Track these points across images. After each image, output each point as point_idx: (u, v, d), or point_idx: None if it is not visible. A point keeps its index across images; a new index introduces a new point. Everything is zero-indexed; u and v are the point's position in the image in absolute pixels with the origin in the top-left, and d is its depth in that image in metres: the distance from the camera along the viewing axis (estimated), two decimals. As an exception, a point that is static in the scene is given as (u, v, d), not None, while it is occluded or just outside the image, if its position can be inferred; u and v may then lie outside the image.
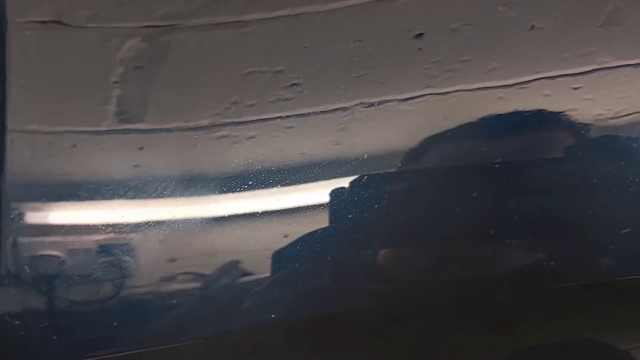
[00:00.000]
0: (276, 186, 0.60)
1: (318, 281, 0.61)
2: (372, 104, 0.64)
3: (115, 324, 0.57)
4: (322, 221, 0.61)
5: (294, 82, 0.62)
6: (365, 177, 0.63)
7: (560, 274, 0.64)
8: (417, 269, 0.65)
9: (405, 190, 0.64)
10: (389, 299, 0.63)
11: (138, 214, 0.58)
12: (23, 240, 0.55)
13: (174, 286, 0.58)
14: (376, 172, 0.63)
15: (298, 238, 0.60)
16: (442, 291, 0.65)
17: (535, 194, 0.67)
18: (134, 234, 0.57)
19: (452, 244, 0.65)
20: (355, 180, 0.62)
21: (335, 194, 0.62)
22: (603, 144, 0.71)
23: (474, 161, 0.67)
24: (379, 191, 0.63)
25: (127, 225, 0.58)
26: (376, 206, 0.62)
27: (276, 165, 0.61)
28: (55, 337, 0.56)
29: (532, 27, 0.71)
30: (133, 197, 0.58)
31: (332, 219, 0.61)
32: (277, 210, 0.60)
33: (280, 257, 0.60)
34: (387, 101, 0.65)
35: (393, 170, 0.63)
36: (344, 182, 0.62)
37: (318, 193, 0.61)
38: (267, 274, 0.60)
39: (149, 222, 0.58)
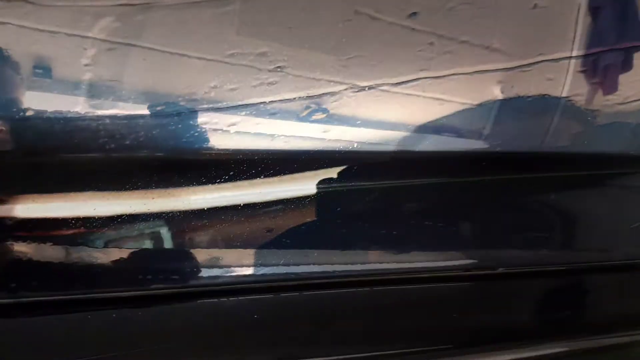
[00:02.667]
0: (259, 177, 0.56)
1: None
2: (363, 88, 0.60)
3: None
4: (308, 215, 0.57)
5: (278, 65, 0.57)
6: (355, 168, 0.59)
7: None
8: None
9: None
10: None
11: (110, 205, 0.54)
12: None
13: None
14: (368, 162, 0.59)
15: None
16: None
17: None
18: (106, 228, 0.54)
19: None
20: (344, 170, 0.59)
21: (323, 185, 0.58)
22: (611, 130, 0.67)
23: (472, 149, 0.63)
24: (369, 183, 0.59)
25: (99, 218, 0.54)
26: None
27: (259, 154, 0.56)
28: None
29: (535, 6, 0.67)
30: (104, 189, 0.54)
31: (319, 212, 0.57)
32: (261, 203, 0.57)
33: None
34: (378, 85, 0.61)
35: (385, 160, 0.59)
36: (332, 172, 0.58)
37: (304, 184, 0.57)
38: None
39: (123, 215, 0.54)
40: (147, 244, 0.54)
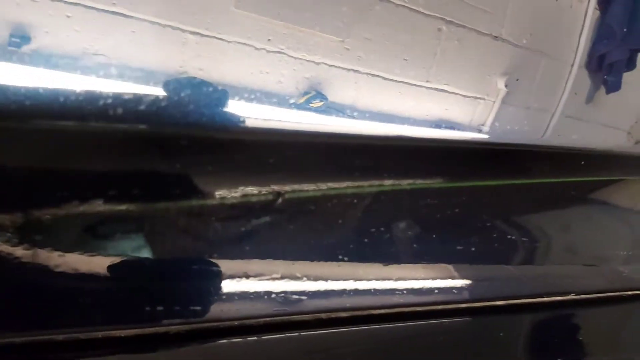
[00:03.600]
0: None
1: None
2: (365, 74, 0.57)
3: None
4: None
5: (276, 44, 0.53)
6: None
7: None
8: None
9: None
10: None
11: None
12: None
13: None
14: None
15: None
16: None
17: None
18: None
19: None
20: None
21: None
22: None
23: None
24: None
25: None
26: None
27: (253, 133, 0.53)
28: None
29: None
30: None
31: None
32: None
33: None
34: (381, 71, 0.57)
35: (385, 153, 0.56)
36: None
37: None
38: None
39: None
40: (152, 262, 0.48)
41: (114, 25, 0.47)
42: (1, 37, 0.43)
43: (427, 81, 0.60)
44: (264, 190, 0.53)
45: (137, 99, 0.47)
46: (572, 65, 0.70)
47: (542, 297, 0.72)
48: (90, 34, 0.46)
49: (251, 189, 0.52)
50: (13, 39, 0.44)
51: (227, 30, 0.52)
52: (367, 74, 0.57)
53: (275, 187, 0.53)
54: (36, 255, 0.45)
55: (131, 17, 0.48)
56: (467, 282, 0.66)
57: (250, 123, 0.51)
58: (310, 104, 0.54)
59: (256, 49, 0.53)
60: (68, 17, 0.45)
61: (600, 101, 0.73)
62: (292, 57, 0.54)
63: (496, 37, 0.64)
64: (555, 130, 0.69)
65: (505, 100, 0.65)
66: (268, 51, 0.53)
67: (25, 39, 0.44)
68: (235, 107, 0.51)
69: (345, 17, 0.57)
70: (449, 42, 0.62)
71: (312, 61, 0.55)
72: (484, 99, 0.64)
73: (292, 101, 0.53)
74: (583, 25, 0.69)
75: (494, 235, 0.69)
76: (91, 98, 0.44)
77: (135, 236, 0.47)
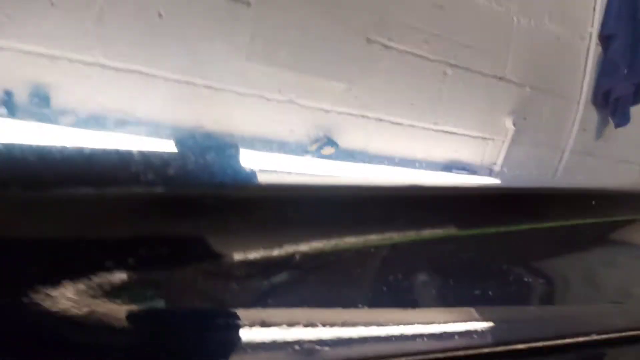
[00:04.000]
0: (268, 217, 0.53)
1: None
2: (374, 120, 0.58)
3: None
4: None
5: (286, 94, 0.55)
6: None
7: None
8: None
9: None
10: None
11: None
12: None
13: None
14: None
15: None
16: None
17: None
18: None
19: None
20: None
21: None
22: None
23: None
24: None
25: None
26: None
27: (264, 190, 0.54)
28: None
29: (546, 35, 0.65)
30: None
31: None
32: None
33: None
34: (390, 116, 0.58)
35: (396, 198, 0.56)
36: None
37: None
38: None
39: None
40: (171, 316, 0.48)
41: (130, 83, 0.48)
42: (22, 97, 0.45)
43: (435, 123, 0.61)
44: (280, 247, 0.53)
45: (149, 158, 0.47)
46: (579, 102, 0.71)
47: (565, 339, 0.71)
48: (108, 92, 0.47)
49: (266, 247, 0.52)
50: (34, 99, 0.46)
51: (239, 82, 0.54)
52: (376, 119, 0.58)
53: (291, 244, 0.53)
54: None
55: (147, 74, 0.50)
56: (487, 325, 0.65)
57: (263, 178, 0.52)
58: (322, 151, 0.55)
59: (267, 99, 0.54)
60: (87, 76, 0.47)
61: (611, 136, 0.73)
62: (302, 105, 0.55)
63: (500, 77, 0.65)
64: (566, 168, 0.69)
65: (514, 139, 0.66)
66: (279, 101, 0.54)
67: (46, 98, 0.46)
68: (248, 160, 0.51)
69: (352, 66, 0.58)
70: (454, 85, 0.63)
71: (321, 109, 0.56)
72: (493, 139, 0.65)
73: (304, 149, 0.54)
74: (586, 62, 0.70)
75: (512, 279, 0.68)
76: (107, 159, 0.45)
77: (154, 293, 0.48)
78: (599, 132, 0.73)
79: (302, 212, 0.52)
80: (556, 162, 0.70)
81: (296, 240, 0.53)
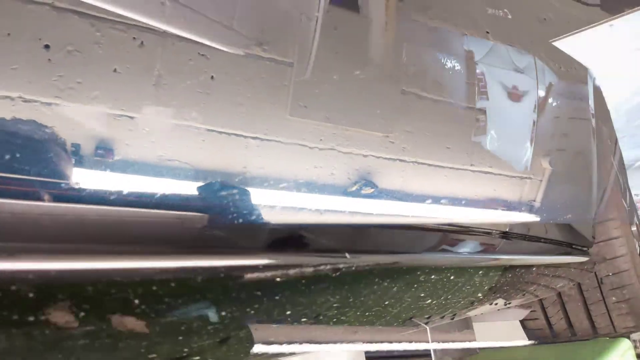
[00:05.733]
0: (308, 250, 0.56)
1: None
2: (410, 163, 0.61)
3: None
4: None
5: (328, 144, 0.59)
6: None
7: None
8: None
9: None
10: None
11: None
12: None
13: None
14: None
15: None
16: None
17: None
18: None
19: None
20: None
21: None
22: None
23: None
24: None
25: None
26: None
27: (308, 230, 0.56)
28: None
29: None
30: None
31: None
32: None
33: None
34: (425, 160, 0.61)
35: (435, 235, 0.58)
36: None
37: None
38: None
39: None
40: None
41: (185, 135, 0.53)
42: (88, 150, 0.50)
43: (472, 165, 0.63)
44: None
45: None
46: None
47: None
48: (165, 143, 0.52)
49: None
50: (98, 151, 0.51)
51: (284, 134, 0.58)
52: (413, 162, 0.61)
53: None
54: None
55: (201, 128, 0.55)
56: None
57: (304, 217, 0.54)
58: (362, 191, 0.58)
59: (310, 148, 0.58)
60: (146, 131, 0.52)
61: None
62: (342, 152, 0.59)
63: (534, 121, 0.67)
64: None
65: (551, 178, 0.67)
66: (320, 149, 0.58)
67: (109, 150, 0.51)
68: (290, 200, 0.55)
69: (388, 115, 0.62)
70: (486, 129, 0.65)
71: (360, 154, 0.60)
72: (530, 177, 0.66)
73: (344, 190, 0.57)
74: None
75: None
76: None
77: None
78: None
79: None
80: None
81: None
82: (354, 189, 0.58)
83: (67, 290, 0.43)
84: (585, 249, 1.33)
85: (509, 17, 0.73)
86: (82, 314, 0.42)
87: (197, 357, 0.52)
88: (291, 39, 0.58)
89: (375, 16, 0.63)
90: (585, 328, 2.10)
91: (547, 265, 1.21)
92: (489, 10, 0.71)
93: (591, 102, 1.46)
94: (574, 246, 1.28)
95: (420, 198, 0.61)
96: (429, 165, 0.62)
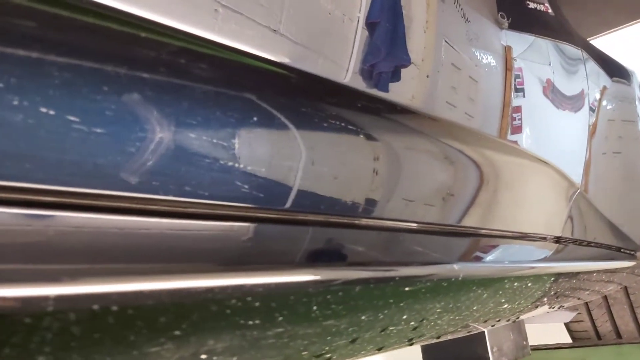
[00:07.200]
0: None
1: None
2: None
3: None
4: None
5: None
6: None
7: None
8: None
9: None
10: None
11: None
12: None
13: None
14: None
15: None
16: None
17: None
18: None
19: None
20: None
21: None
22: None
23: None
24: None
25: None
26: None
27: None
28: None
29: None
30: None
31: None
32: None
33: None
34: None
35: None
36: None
37: None
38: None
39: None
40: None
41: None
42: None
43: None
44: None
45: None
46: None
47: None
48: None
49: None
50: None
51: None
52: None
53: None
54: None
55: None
56: None
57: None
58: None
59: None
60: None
61: None
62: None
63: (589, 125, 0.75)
64: None
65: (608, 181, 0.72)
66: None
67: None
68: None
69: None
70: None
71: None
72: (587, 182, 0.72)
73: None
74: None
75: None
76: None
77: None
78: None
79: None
80: None
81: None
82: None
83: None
84: (633, 252, 1.39)
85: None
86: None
87: (329, 355, 0.60)
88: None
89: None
90: (631, 330, 2.14)
91: (598, 271, 1.27)
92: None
93: (638, 103, 1.53)
94: (622, 250, 1.34)
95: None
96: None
